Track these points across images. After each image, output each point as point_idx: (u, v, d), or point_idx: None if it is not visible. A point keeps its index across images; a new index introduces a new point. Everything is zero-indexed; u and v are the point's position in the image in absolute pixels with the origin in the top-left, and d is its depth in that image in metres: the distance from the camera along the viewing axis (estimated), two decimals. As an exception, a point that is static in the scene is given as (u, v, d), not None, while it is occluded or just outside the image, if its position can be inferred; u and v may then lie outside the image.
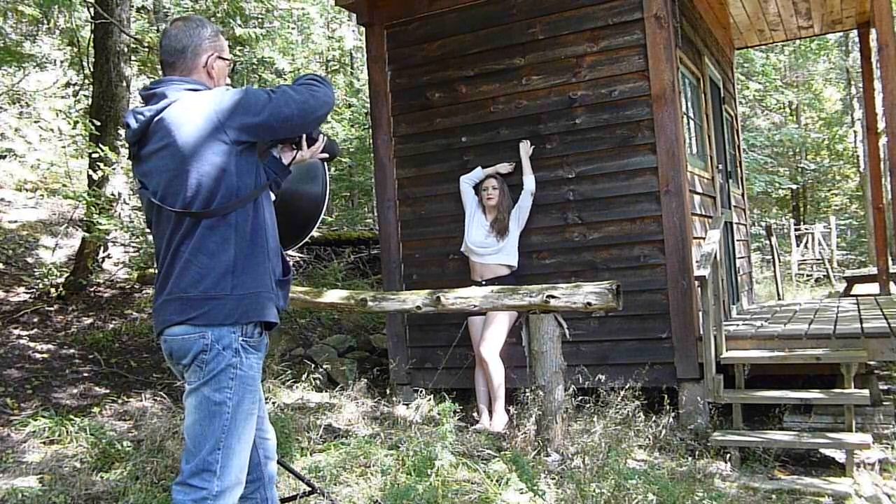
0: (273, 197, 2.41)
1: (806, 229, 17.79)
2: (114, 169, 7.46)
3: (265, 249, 2.25)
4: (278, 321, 2.30)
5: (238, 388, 2.17)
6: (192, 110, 2.15)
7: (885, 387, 5.42)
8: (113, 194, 7.64)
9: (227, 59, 2.41)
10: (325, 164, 2.69)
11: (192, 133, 2.13)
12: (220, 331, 2.15)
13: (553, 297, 3.95)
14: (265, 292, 2.23)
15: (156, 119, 2.17)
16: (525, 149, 5.28)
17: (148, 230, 2.62)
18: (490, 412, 4.97)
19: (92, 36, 8.14)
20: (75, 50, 10.03)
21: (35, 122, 9.51)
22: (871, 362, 4.67)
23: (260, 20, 12.45)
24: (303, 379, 5.65)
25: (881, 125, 6.83)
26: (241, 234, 2.19)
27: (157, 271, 2.28)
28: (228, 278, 2.16)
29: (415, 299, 4.41)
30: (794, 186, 19.95)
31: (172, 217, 2.17)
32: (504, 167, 5.35)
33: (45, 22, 11.83)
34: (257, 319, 2.21)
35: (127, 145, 2.33)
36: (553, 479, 3.66)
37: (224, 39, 2.41)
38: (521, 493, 3.33)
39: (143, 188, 2.27)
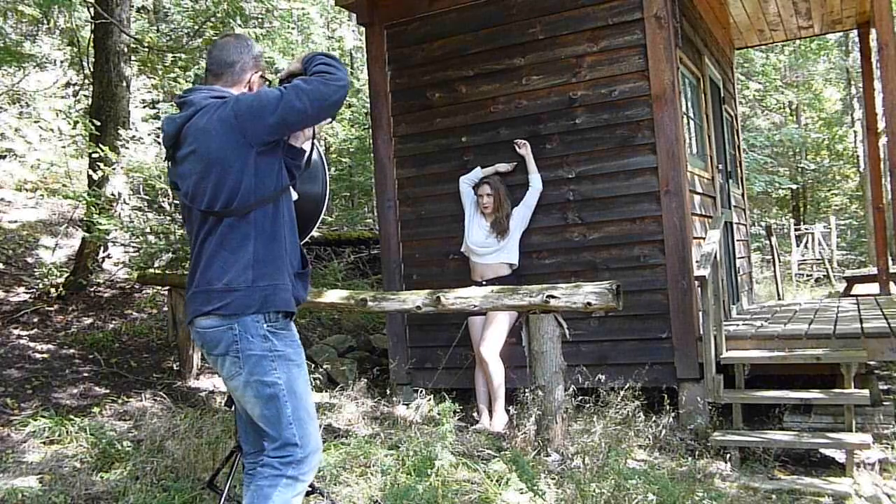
0: (295, 195, 2.53)
1: (806, 229, 17.79)
2: (114, 169, 7.46)
3: (283, 245, 2.40)
4: (296, 310, 2.45)
5: (282, 366, 2.34)
6: (213, 117, 2.33)
7: (885, 387, 5.42)
8: (113, 194, 7.65)
9: (266, 79, 2.60)
10: (325, 163, 2.70)
11: (214, 139, 2.31)
12: (245, 321, 2.31)
13: (553, 297, 3.95)
14: (283, 284, 2.38)
15: (185, 125, 2.38)
16: (525, 149, 5.27)
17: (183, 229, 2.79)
18: (490, 412, 4.97)
19: (92, 36, 8.14)
20: (75, 50, 10.02)
21: (35, 122, 9.49)
22: (871, 362, 4.68)
23: (260, 20, 12.46)
24: (303, 379, 5.63)
25: (881, 125, 6.82)
26: (260, 231, 2.34)
27: (189, 266, 2.48)
28: (249, 271, 2.31)
29: (415, 299, 4.41)
30: (794, 186, 19.94)
31: (199, 216, 2.37)
32: (503, 167, 5.35)
33: (45, 22, 11.82)
34: (275, 309, 2.35)
35: (164, 149, 2.52)
36: (553, 479, 3.66)
37: (264, 60, 2.59)
38: (521, 493, 3.33)
39: (176, 189, 2.47)
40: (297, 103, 2.27)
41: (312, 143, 2.61)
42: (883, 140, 6.35)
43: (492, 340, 4.90)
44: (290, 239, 2.44)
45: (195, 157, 2.35)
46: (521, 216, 5.18)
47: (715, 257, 4.75)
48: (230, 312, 2.30)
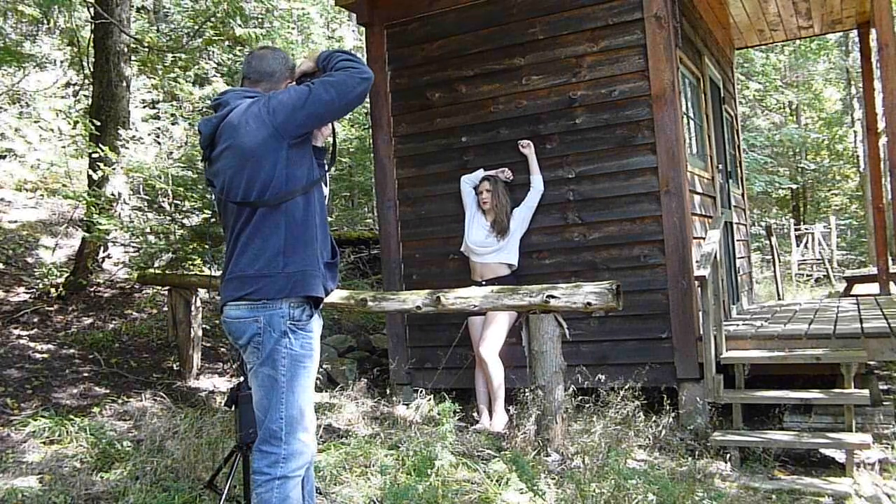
0: (326, 190, 2.68)
1: (806, 229, 17.80)
2: (114, 169, 7.46)
3: (314, 234, 2.54)
4: (324, 297, 2.57)
5: (290, 365, 2.47)
6: (246, 113, 2.48)
7: (885, 387, 5.43)
8: (113, 194, 7.64)
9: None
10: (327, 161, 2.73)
11: (248, 134, 2.45)
12: (271, 315, 2.44)
13: (553, 297, 3.95)
14: (312, 270, 2.51)
15: (221, 125, 2.54)
16: (529, 149, 5.26)
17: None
18: (490, 412, 4.97)
19: (92, 36, 8.13)
20: (75, 50, 10.02)
21: (35, 122, 9.49)
22: (871, 362, 4.68)
23: (260, 20, 12.45)
24: (303, 379, 5.63)
25: (881, 125, 6.82)
26: (292, 220, 2.48)
27: (224, 256, 2.64)
28: (280, 258, 2.46)
29: (415, 299, 4.41)
30: (794, 186, 19.95)
31: (234, 209, 2.51)
32: (504, 174, 5.31)
33: (45, 22, 11.82)
34: (305, 294, 2.48)
35: (200, 150, 2.67)
36: (553, 479, 3.66)
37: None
38: (521, 493, 3.33)
39: (212, 186, 2.62)
40: (325, 95, 2.42)
41: (334, 139, 2.73)
42: (883, 140, 6.35)
43: (491, 340, 4.90)
44: (321, 229, 2.59)
45: (230, 152, 2.49)
46: (521, 217, 5.18)
47: (715, 257, 4.75)
48: (261, 297, 2.44)
